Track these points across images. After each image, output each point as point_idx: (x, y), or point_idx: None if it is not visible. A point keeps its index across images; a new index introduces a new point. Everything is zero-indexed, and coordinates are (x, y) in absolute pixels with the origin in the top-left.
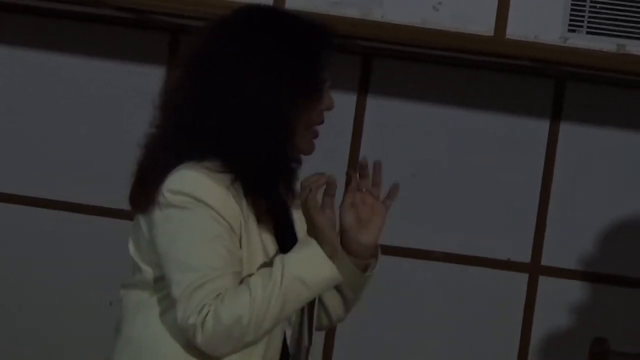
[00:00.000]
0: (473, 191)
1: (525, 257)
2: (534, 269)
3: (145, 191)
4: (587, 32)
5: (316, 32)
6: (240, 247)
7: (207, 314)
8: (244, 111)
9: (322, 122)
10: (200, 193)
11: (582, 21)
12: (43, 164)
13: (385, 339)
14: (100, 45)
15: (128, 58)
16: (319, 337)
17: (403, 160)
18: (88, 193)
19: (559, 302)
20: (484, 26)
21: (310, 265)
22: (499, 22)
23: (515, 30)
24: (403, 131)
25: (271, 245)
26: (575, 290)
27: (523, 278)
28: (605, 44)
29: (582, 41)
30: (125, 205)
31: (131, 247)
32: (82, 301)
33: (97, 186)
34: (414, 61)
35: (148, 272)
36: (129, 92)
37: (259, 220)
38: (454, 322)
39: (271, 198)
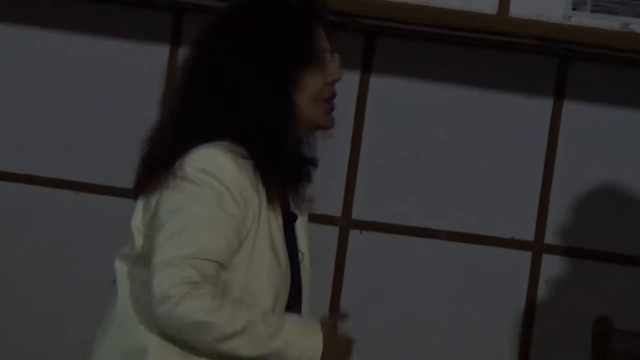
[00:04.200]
0: (477, 170)
1: (528, 235)
2: (537, 248)
3: (156, 174)
4: (591, 10)
5: (303, 4)
6: (248, 236)
7: (191, 290)
8: (245, 91)
9: (331, 94)
10: (223, 175)
11: None
12: (44, 143)
13: (389, 316)
14: (103, 24)
15: (131, 37)
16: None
17: (407, 140)
18: (87, 171)
19: (562, 280)
20: (488, 4)
21: (301, 356)
22: (503, 0)
23: (519, 8)
24: (406, 110)
25: (279, 240)
26: (579, 269)
27: (526, 256)
28: (609, 22)
29: (586, 19)
30: (127, 184)
31: (134, 220)
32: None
33: (97, 164)
34: (417, 40)
35: (138, 245)
36: (132, 72)
37: (271, 212)
38: (458, 300)
39: (283, 184)
